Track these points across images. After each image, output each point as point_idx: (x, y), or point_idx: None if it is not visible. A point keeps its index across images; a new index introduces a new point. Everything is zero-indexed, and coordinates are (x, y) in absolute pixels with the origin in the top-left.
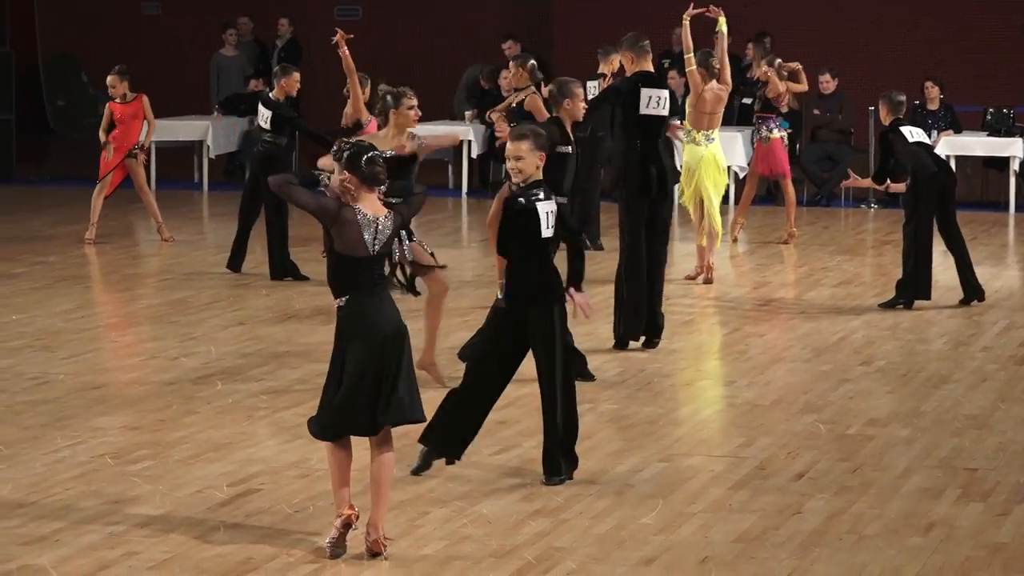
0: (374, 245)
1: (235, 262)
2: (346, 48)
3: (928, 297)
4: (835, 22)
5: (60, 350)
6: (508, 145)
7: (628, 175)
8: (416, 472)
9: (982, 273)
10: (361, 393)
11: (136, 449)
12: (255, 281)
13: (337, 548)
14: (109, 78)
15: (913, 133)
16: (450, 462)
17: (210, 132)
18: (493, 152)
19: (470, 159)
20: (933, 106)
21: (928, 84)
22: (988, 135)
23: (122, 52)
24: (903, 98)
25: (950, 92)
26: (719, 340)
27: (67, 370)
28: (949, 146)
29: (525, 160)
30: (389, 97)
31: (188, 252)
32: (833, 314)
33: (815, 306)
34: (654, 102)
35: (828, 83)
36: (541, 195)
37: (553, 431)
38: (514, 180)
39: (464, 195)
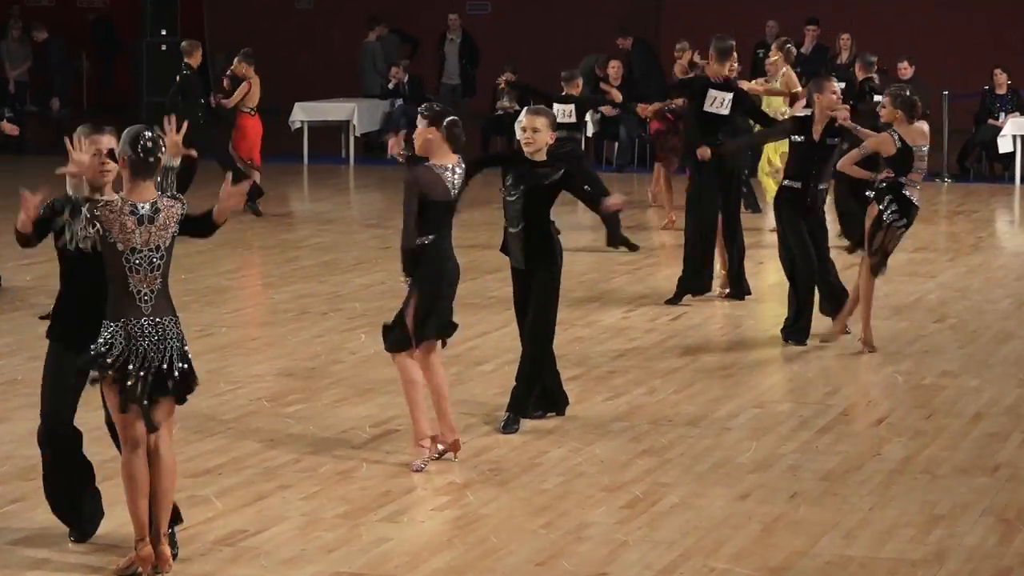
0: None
1: None
2: None
3: None
4: (911, 15)
5: (224, 305)
6: (525, 117)
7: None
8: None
9: None
10: None
11: (289, 393)
12: (395, 244)
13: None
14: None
15: None
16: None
17: (355, 113)
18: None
19: (586, 138)
20: (1001, 91)
21: (997, 71)
22: None
23: (279, 43)
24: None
25: (1016, 77)
26: None
27: (230, 323)
28: (1015, 126)
29: (540, 133)
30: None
31: (335, 219)
32: (910, 277)
33: (894, 269)
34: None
35: (906, 69)
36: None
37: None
38: (526, 150)
39: None
